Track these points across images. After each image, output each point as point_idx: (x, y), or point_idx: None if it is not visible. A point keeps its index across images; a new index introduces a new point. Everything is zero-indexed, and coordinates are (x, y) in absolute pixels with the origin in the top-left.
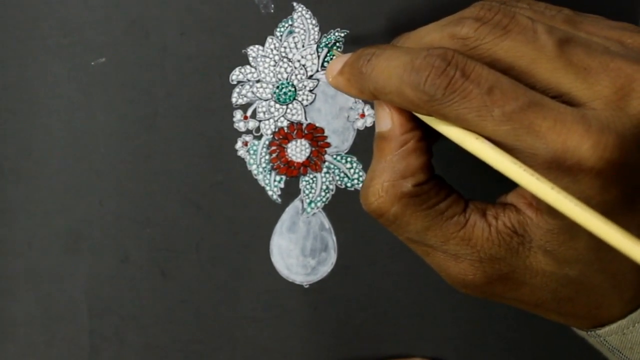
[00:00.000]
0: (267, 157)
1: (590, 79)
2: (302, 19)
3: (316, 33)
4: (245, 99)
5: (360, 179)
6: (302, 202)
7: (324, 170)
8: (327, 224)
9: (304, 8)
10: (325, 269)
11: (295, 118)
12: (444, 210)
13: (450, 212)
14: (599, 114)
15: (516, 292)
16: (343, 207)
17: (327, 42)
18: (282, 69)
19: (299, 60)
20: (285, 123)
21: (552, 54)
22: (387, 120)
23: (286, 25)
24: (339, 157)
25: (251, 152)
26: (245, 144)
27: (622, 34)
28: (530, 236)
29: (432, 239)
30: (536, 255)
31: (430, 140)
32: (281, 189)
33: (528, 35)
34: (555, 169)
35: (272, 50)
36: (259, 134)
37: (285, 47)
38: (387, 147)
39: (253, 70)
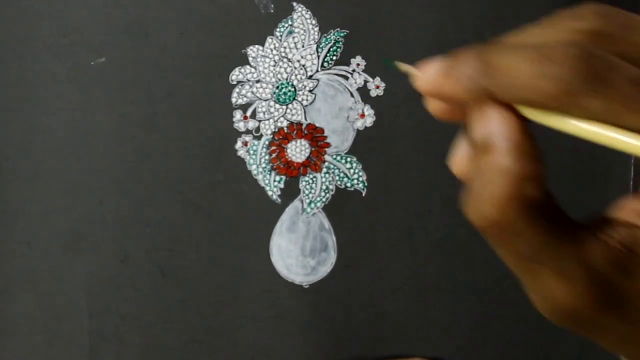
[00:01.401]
0: (267, 157)
1: None
2: (302, 20)
3: (316, 33)
4: (245, 99)
5: (361, 179)
6: (302, 202)
7: (324, 170)
8: (327, 224)
9: (304, 8)
10: (325, 269)
11: (295, 118)
12: (563, 226)
13: (569, 229)
14: None
15: (625, 323)
16: (343, 208)
17: (326, 42)
18: (282, 69)
19: (299, 61)
20: (286, 123)
21: None
22: (499, 125)
23: (286, 25)
24: (339, 158)
25: (251, 152)
26: (246, 144)
27: None
28: None
29: (546, 256)
30: None
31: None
32: (281, 189)
33: None
34: None
35: (272, 50)
36: (259, 134)
37: (285, 48)
38: (500, 149)
39: (253, 70)
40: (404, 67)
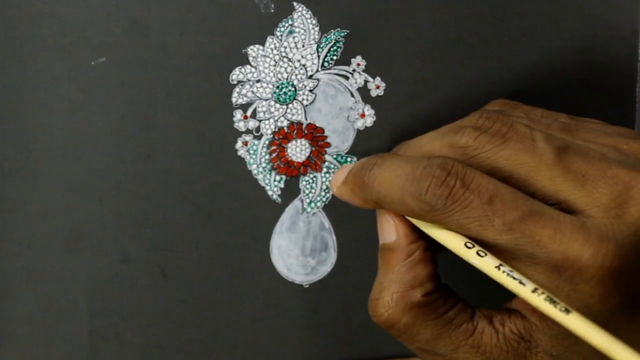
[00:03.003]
0: (267, 157)
1: (588, 187)
2: (302, 19)
3: (316, 33)
4: (245, 98)
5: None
6: (302, 201)
7: (324, 170)
8: (327, 223)
9: (304, 8)
10: (325, 269)
11: (295, 118)
12: (452, 319)
13: (458, 320)
14: (598, 221)
15: None
16: (343, 207)
17: (326, 42)
18: (282, 69)
19: (299, 60)
20: (285, 123)
21: (550, 161)
22: (392, 232)
23: (286, 25)
24: (339, 157)
25: (251, 152)
26: (245, 143)
27: (618, 141)
28: (536, 341)
29: (442, 348)
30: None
31: (435, 249)
32: (281, 188)
33: (526, 144)
34: (556, 277)
35: (272, 50)
36: (259, 134)
37: (285, 47)
38: (394, 258)
39: (253, 70)
40: (343, 166)
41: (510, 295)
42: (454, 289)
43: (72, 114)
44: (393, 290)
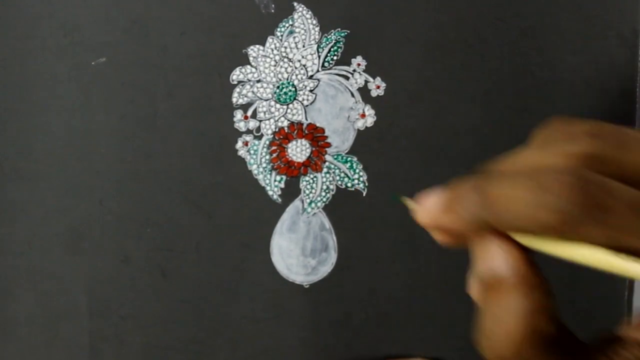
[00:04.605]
0: (267, 157)
1: None
2: (303, 19)
3: (316, 33)
4: (245, 98)
5: (361, 178)
6: (303, 202)
7: (325, 170)
8: (327, 224)
9: (305, 8)
10: (325, 269)
11: (295, 118)
12: (576, 352)
13: (582, 353)
14: None
15: None
16: (343, 207)
17: (327, 42)
18: (283, 69)
19: (299, 60)
20: (286, 123)
21: None
22: (503, 258)
23: (287, 25)
24: (339, 157)
25: (251, 152)
26: (246, 143)
27: None
28: None
29: None
30: None
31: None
32: (281, 188)
33: None
34: None
35: (272, 50)
36: (259, 134)
37: (285, 47)
38: (508, 287)
39: (253, 70)
40: (408, 201)
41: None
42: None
43: (72, 114)
44: (517, 321)
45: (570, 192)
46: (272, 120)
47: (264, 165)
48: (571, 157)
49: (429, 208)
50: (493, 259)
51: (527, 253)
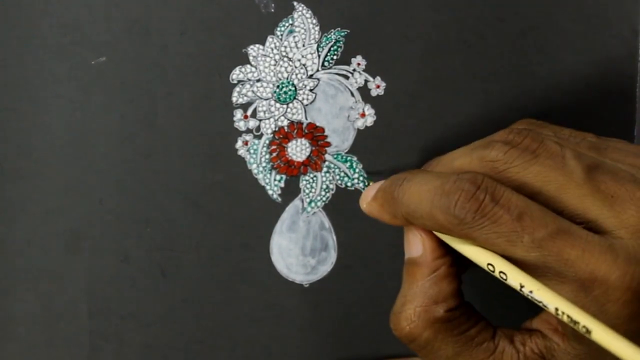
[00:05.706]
0: (267, 156)
1: (617, 207)
2: (303, 19)
3: (316, 32)
4: (245, 98)
5: (361, 178)
6: (302, 201)
7: (324, 169)
8: (327, 223)
9: (305, 7)
10: (325, 269)
11: (295, 117)
12: (474, 337)
13: (480, 338)
14: (626, 243)
15: None
16: (343, 207)
17: (327, 41)
18: (283, 68)
19: (299, 60)
20: (286, 122)
21: (580, 180)
22: (419, 246)
23: (286, 24)
24: (339, 157)
25: (251, 151)
26: (246, 143)
27: None
28: None
29: None
30: None
31: (461, 267)
32: (281, 188)
33: (557, 160)
34: (583, 296)
35: (272, 49)
36: (259, 133)
37: (285, 47)
38: (419, 273)
39: (253, 69)
40: (372, 184)
41: (530, 314)
42: (475, 307)
43: (72, 114)
44: (416, 304)
45: (464, 199)
46: (272, 120)
47: (264, 164)
48: (483, 162)
49: (363, 198)
50: (410, 246)
51: (443, 244)
